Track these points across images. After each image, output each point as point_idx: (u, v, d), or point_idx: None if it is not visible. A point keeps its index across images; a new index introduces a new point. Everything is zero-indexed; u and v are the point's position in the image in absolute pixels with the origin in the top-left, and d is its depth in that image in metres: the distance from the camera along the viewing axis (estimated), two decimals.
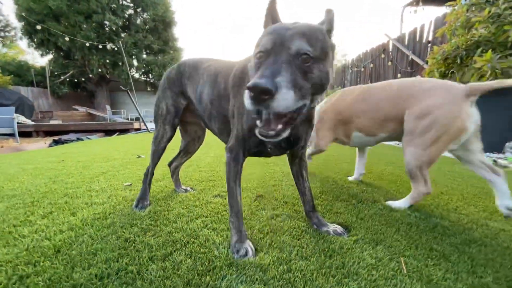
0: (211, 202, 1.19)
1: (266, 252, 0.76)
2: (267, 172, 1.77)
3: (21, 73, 12.80)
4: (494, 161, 2.14)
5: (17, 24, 13.07)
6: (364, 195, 1.28)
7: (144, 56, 13.87)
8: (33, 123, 8.08)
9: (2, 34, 22.39)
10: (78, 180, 1.59)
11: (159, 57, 14.09)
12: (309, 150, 1.62)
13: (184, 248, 0.78)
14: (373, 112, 1.24)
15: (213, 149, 2.94)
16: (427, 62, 4.41)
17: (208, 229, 0.91)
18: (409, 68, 5.12)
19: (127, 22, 13.07)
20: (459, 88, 1.05)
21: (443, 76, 2.87)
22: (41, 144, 5.11)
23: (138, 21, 13.39)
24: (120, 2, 12.65)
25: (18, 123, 7.44)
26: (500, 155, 2.42)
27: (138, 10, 13.34)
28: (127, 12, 13.07)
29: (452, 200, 1.21)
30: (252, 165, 1.99)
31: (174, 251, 0.77)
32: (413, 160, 1.08)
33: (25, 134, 7.19)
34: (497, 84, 1.03)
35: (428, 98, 1.08)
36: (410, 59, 5.09)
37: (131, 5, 13.23)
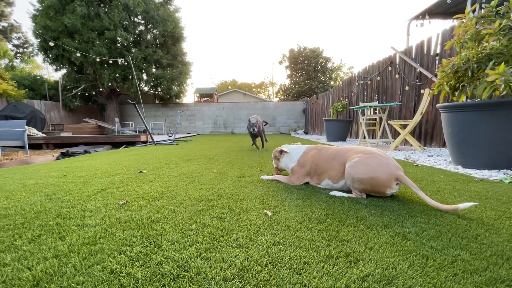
0: (208, 226, 1.11)
1: None
2: (269, 190, 1.69)
3: (36, 87, 13.27)
4: None
5: (34, 40, 13.72)
6: (373, 219, 1.18)
7: (154, 70, 14.24)
8: (43, 135, 8.26)
9: (21, 50, 23.54)
10: (75, 198, 1.54)
11: (168, 71, 14.44)
12: (283, 178, 1.98)
13: (172, 284, 0.71)
14: (334, 165, 1.70)
15: (216, 165, 2.89)
16: (436, 75, 4.32)
17: (201, 259, 0.83)
18: (417, 80, 5.03)
19: (138, 38, 13.54)
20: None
21: (454, 89, 2.78)
22: (49, 156, 5.17)
23: (149, 37, 13.85)
24: (132, 19, 13.16)
25: (29, 135, 7.62)
26: None
27: (149, 26, 13.82)
28: (138, 29, 13.57)
29: (471, 226, 1.10)
30: (255, 183, 1.91)
31: (162, 287, 0.70)
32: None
33: (35, 146, 7.35)
34: None
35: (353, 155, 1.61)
36: (418, 71, 5.01)
37: (142, 22, 13.75)
